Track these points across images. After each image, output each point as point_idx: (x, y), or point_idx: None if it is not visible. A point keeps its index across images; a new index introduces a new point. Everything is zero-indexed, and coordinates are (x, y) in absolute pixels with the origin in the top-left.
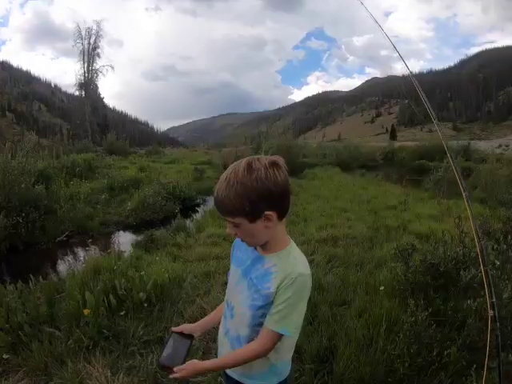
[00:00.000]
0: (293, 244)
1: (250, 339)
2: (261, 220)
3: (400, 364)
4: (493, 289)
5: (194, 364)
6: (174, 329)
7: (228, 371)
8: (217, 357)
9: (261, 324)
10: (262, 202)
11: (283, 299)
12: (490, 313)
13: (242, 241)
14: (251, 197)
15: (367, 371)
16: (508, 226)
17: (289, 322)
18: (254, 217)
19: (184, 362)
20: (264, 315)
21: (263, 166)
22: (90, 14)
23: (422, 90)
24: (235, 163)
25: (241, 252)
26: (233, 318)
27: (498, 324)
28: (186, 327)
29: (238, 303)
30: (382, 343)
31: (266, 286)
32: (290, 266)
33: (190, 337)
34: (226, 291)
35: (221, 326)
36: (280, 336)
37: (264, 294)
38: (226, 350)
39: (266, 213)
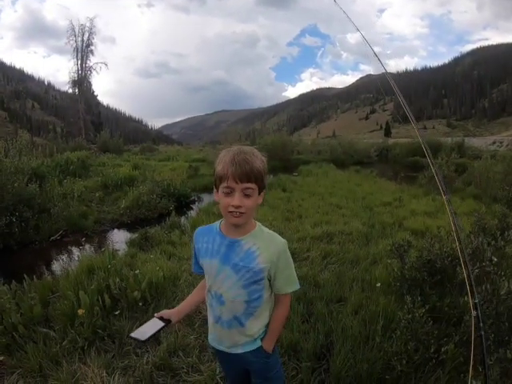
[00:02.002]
0: (260, 224)
1: (248, 311)
2: (260, 195)
3: (397, 361)
4: (475, 289)
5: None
6: (155, 314)
7: (232, 350)
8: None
9: (252, 292)
10: (265, 178)
11: (283, 266)
12: (474, 313)
13: (235, 216)
14: (265, 168)
15: (364, 368)
16: (504, 223)
17: (294, 279)
18: (261, 188)
19: (149, 339)
20: (258, 286)
21: None
22: (82, 11)
23: (398, 90)
24: (235, 147)
25: (207, 243)
26: (224, 305)
27: (482, 324)
28: (165, 313)
29: (227, 289)
30: (378, 340)
31: (255, 263)
32: (269, 240)
33: (167, 321)
34: (207, 283)
35: (209, 316)
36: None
37: (257, 269)
38: (221, 334)
39: (264, 190)
